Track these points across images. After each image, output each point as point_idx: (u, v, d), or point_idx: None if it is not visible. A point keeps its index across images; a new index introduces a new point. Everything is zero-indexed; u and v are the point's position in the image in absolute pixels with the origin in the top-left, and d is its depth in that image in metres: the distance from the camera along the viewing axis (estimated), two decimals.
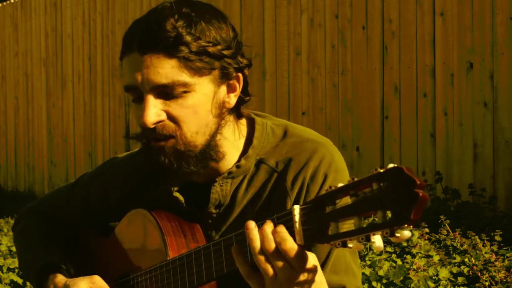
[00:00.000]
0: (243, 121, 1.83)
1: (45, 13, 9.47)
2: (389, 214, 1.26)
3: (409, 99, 5.74)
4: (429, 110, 5.61)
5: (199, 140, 1.71)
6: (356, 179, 1.32)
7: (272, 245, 1.47)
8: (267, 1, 6.77)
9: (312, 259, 1.50)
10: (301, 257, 1.47)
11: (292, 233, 1.44)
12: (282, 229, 1.46)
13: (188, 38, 1.65)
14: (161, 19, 1.66)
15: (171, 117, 1.68)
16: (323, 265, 1.71)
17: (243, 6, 6.97)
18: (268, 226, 1.49)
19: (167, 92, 1.67)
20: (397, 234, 1.24)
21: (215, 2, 7.00)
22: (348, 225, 1.34)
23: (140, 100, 1.70)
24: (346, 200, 1.35)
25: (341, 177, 1.75)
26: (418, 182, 1.21)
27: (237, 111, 1.79)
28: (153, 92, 1.67)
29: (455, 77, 5.46)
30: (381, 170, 1.26)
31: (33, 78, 9.65)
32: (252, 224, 1.51)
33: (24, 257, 2.05)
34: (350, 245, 1.33)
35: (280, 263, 1.47)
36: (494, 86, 5.25)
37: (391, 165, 1.26)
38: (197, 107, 1.69)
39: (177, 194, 1.82)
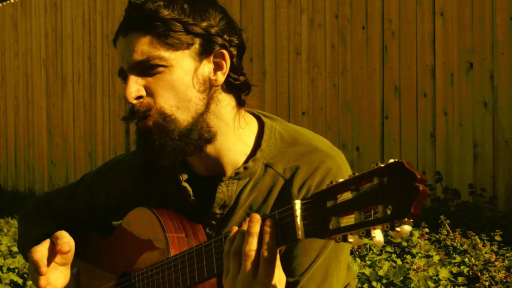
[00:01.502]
0: (249, 117, 1.83)
1: (45, 13, 9.47)
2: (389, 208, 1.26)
3: (409, 99, 5.74)
4: (429, 110, 5.61)
5: (182, 115, 1.72)
6: (357, 174, 1.32)
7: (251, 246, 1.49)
8: (267, 1, 6.77)
9: (278, 279, 1.51)
10: (270, 271, 1.49)
11: (293, 227, 1.44)
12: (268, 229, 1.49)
13: (163, 13, 1.69)
14: (143, 2, 1.72)
15: (149, 93, 1.72)
16: (304, 272, 1.72)
17: (243, 6, 6.97)
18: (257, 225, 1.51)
19: (146, 69, 1.71)
20: (398, 229, 1.24)
21: None
22: (349, 220, 1.34)
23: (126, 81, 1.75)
24: (347, 195, 1.35)
25: None
26: (419, 176, 1.21)
27: (237, 97, 1.79)
28: (133, 71, 1.72)
29: (455, 77, 5.46)
30: (382, 165, 1.27)
31: (33, 78, 9.64)
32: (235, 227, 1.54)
33: (22, 236, 2.06)
34: (350, 240, 1.33)
35: (248, 265, 1.50)
36: (494, 86, 5.25)
37: (391, 160, 1.26)
38: (175, 81, 1.71)
39: (185, 184, 1.82)
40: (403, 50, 5.76)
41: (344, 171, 1.76)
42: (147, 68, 1.71)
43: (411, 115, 5.72)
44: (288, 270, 1.69)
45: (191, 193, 1.82)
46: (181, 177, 1.82)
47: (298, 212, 1.43)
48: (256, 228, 1.50)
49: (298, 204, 1.43)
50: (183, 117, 1.72)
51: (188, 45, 1.71)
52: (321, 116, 6.34)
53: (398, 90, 5.80)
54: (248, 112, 1.85)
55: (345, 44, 6.17)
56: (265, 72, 6.76)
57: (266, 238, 1.48)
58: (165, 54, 1.70)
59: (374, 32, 5.96)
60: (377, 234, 1.29)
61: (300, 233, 1.43)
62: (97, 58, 8.66)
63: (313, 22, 6.41)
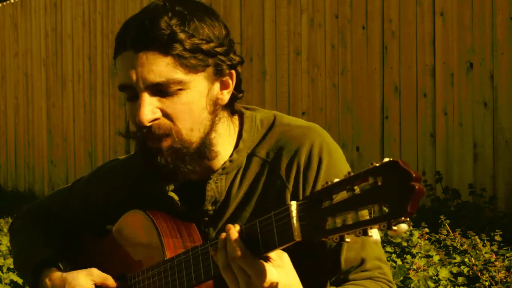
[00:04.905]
0: (236, 117, 1.83)
1: (45, 13, 9.47)
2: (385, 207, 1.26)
3: (409, 99, 5.73)
4: (429, 110, 5.61)
5: (194, 137, 1.71)
6: (352, 173, 1.32)
7: (228, 255, 1.52)
8: (267, 2, 6.76)
9: (271, 270, 1.52)
10: (254, 267, 1.50)
11: (290, 229, 1.44)
12: (232, 238, 1.51)
13: (182, 35, 1.65)
14: (154, 17, 1.66)
15: (166, 115, 1.68)
16: (338, 246, 1.72)
17: (243, 6, 6.96)
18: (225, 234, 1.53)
19: (162, 90, 1.67)
20: (394, 227, 1.24)
21: (215, 3, 7.01)
22: (345, 220, 1.33)
23: (134, 99, 1.70)
24: (343, 195, 1.35)
25: (336, 158, 1.75)
26: (414, 175, 1.21)
27: (231, 108, 1.79)
28: (148, 90, 1.67)
29: (455, 77, 5.46)
30: (377, 164, 1.26)
31: (33, 78, 9.64)
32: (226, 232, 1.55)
33: (20, 255, 2.04)
34: (347, 240, 1.32)
35: (238, 271, 1.51)
36: (494, 86, 5.25)
37: (386, 159, 1.26)
38: (191, 104, 1.69)
39: (172, 194, 1.82)
40: (403, 50, 5.76)
41: (328, 140, 1.76)
42: (164, 90, 1.67)
43: (411, 115, 5.71)
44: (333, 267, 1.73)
45: (178, 202, 1.81)
46: (167, 188, 1.82)
47: (294, 213, 1.43)
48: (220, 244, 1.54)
49: (294, 205, 1.43)
50: (194, 139, 1.71)
51: (204, 67, 1.69)
52: (321, 116, 6.34)
53: (398, 90, 5.80)
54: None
55: (345, 44, 6.16)
56: (265, 72, 6.76)
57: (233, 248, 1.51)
58: (184, 77, 1.66)
59: (374, 32, 5.96)
60: (374, 233, 1.30)
61: (296, 234, 1.42)
62: (97, 58, 8.66)
63: (313, 22, 6.40)
